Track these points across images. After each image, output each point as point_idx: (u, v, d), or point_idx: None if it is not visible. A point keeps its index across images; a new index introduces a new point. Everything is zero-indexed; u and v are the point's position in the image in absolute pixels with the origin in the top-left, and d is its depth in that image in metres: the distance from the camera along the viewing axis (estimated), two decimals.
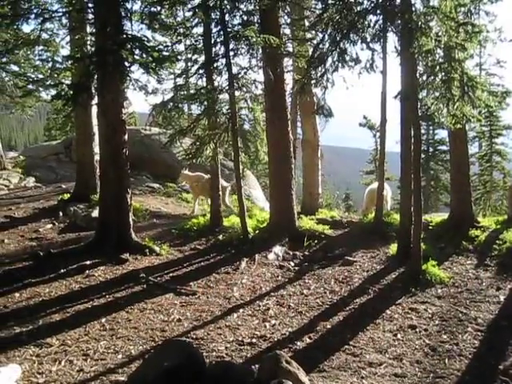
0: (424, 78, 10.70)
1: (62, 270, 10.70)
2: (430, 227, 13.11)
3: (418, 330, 8.06)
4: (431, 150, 32.34)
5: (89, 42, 14.08)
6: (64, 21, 14.02)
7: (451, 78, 10.30)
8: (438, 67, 10.35)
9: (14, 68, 20.93)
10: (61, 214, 15.13)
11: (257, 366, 6.11)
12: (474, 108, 10.84)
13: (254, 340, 7.81)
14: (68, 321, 8.54)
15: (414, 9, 9.80)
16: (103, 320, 8.55)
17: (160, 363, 5.90)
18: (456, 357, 7.15)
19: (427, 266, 10.10)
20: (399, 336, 7.85)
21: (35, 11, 12.53)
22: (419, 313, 8.67)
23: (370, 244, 12.32)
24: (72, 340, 7.81)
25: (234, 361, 7.05)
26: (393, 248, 11.50)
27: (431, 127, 31.68)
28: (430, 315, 8.57)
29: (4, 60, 20.34)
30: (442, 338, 7.75)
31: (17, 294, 9.59)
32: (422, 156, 29.71)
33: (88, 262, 11.09)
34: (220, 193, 14.15)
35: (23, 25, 12.95)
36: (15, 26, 13.70)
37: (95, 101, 12.38)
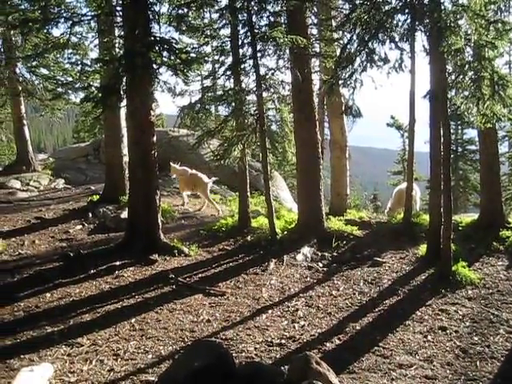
0: (453, 77, 10.59)
1: (92, 271, 10.85)
2: (460, 228, 12.97)
3: (448, 331, 7.99)
4: (460, 149, 31.94)
5: (117, 45, 14.17)
6: (93, 24, 14.09)
7: (481, 76, 10.19)
8: (467, 66, 10.24)
9: (44, 71, 21.31)
10: (90, 215, 15.25)
11: (286, 366, 6.12)
12: (504, 107, 10.67)
13: (283, 341, 7.82)
14: (98, 321, 8.64)
15: (442, 7, 9.70)
16: (133, 320, 8.64)
17: (190, 363, 5.94)
18: (487, 359, 7.09)
19: (457, 266, 10.00)
20: (429, 337, 7.79)
21: (65, 15, 12.65)
22: (449, 314, 8.59)
23: (399, 245, 12.23)
24: (102, 340, 7.90)
25: (263, 361, 7.06)
26: (422, 249, 11.40)
27: (460, 127, 31.31)
28: (460, 317, 8.49)
29: (34, 63, 20.68)
30: (473, 340, 7.68)
31: (48, 295, 9.73)
32: (451, 156, 29.42)
33: (117, 263, 11.20)
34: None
35: (53, 29, 13.11)
36: (45, 30, 13.84)
37: (124, 103, 12.46)
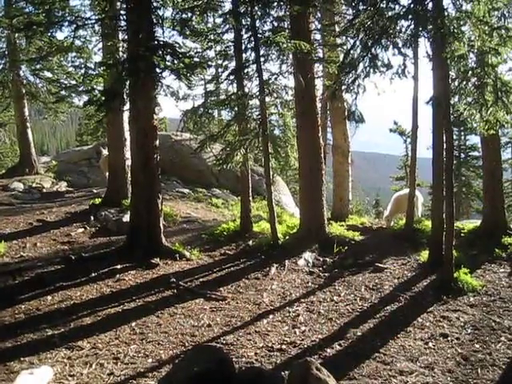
0: (456, 83, 10.59)
1: (93, 274, 10.85)
2: (462, 234, 12.96)
3: (449, 338, 7.94)
4: (463, 156, 31.91)
5: (121, 49, 14.19)
6: (96, 28, 14.12)
7: (484, 83, 10.17)
8: (470, 72, 10.23)
9: (48, 74, 21.41)
10: (92, 218, 15.25)
11: (286, 372, 6.10)
12: (507, 113, 10.67)
13: (283, 346, 7.79)
14: (99, 324, 8.64)
15: (446, 13, 9.70)
16: (133, 324, 8.62)
17: (190, 368, 5.93)
18: (489, 366, 7.03)
19: (459, 273, 9.96)
20: (431, 344, 7.75)
21: (69, 19, 12.70)
22: (451, 321, 8.55)
23: (401, 251, 12.21)
24: (103, 343, 7.89)
25: (263, 367, 7.03)
26: (424, 255, 11.38)
27: (463, 133, 31.28)
28: (462, 324, 8.45)
29: (38, 66, 20.75)
30: (475, 347, 7.63)
31: (49, 297, 9.73)
32: (454, 162, 29.39)
33: (119, 266, 11.21)
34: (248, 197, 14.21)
35: (57, 32, 13.13)
36: (49, 34, 13.88)
37: (127, 107, 12.48)
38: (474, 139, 29.92)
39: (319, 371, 5.68)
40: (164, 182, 19.29)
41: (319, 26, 14.86)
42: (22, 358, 7.26)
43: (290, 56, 12.41)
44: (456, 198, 29.59)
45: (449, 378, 6.74)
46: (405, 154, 33.82)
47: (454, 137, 29.88)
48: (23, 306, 9.27)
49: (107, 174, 17.73)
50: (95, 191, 19.42)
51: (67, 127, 78.60)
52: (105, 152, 19.02)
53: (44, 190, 20.48)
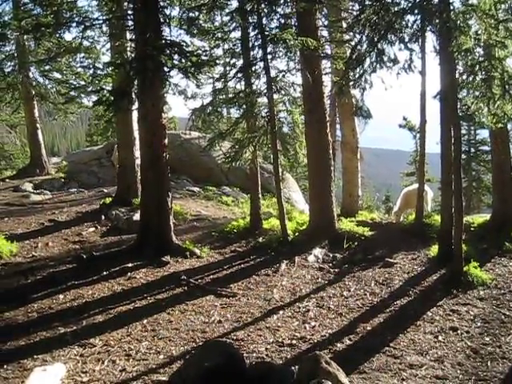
0: (464, 77, 10.55)
1: (105, 273, 10.95)
2: (472, 228, 12.91)
3: (459, 332, 7.97)
4: (473, 150, 31.70)
5: (129, 49, 14.27)
6: (104, 28, 14.21)
7: (491, 76, 10.13)
8: (477, 66, 10.19)
9: (57, 75, 21.54)
10: (103, 217, 15.34)
11: (297, 366, 6.14)
12: None
13: (293, 341, 7.84)
14: (111, 322, 8.72)
15: (452, 7, 9.68)
16: (145, 321, 8.70)
17: (201, 363, 5.99)
18: (499, 359, 7.05)
19: (469, 267, 9.95)
20: (440, 338, 7.78)
21: (77, 20, 12.80)
22: (461, 315, 8.57)
23: (411, 246, 12.21)
24: (115, 340, 7.97)
25: (274, 362, 7.08)
26: (434, 249, 11.37)
27: (472, 127, 31.07)
28: (471, 317, 8.47)
29: (47, 68, 20.86)
30: (485, 341, 7.64)
31: (61, 296, 9.82)
32: (464, 157, 29.21)
33: (130, 265, 11.29)
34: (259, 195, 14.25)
35: (65, 33, 13.25)
36: (58, 35, 13.99)
37: (136, 106, 12.54)
38: (484, 133, 29.73)
39: (329, 365, 5.73)
40: (174, 180, 19.38)
41: (326, 23, 14.87)
42: (35, 356, 7.35)
43: (298, 53, 12.41)
44: (466, 192, 29.45)
45: (458, 371, 6.76)
46: (415, 150, 33.67)
47: (464, 131, 29.73)
48: (36, 305, 9.37)
49: None
50: (106, 191, 19.50)
51: (77, 128, 78.74)
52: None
53: (55, 191, 20.61)
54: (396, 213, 14.86)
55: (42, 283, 10.45)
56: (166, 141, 12.31)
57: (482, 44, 9.84)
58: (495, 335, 7.79)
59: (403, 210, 14.77)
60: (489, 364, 6.93)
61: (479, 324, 8.22)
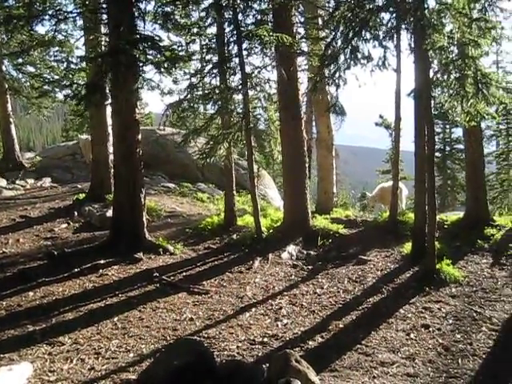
0: (438, 75, 10.59)
1: (76, 269, 10.78)
2: (446, 226, 12.99)
3: (431, 329, 7.98)
4: (448, 148, 31.96)
5: (103, 43, 14.13)
6: (78, 22, 14.11)
7: (465, 75, 10.17)
8: (451, 65, 10.21)
9: (30, 69, 21.24)
10: (76, 213, 15.19)
11: (267, 364, 6.11)
12: (488, 105, 10.70)
13: (265, 339, 7.80)
14: (81, 320, 8.60)
15: (426, 5, 9.69)
16: (116, 319, 8.60)
17: (170, 362, 5.94)
18: (470, 356, 7.07)
19: (442, 264, 9.99)
20: (412, 335, 7.78)
21: (50, 12, 12.63)
22: (433, 312, 8.59)
23: (385, 243, 12.22)
24: (84, 339, 7.86)
25: (245, 360, 7.04)
26: (407, 247, 11.40)
27: (448, 126, 31.32)
28: (443, 314, 8.49)
29: (20, 61, 20.57)
30: (456, 338, 7.67)
31: (31, 293, 9.67)
32: (439, 155, 29.50)
33: (102, 261, 11.16)
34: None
35: (38, 26, 13.07)
36: (30, 28, 13.77)
37: (109, 101, 12.41)
38: (459, 132, 29.96)
39: (298, 363, 5.70)
40: (149, 176, 19.26)
41: (302, 20, 14.84)
42: (1, 355, 7.21)
43: (273, 49, 12.36)
44: (441, 190, 29.72)
45: (429, 369, 6.77)
46: (391, 148, 33.84)
47: (439, 129, 30.01)
48: (4, 302, 9.23)
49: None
50: (79, 186, 19.31)
51: (53, 123, 78.07)
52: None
53: (28, 186, 20.35)
54: (371, 199, 15.42)
55: (12, 280, 10.29)
56: (140, 136, 12.19)
57: (456, 43, 9.86)
58: (466, 332, 7.82)
59: (377, 200, 15.06)
60: (460, 361, 6.95)
61: (451, 321, 8.24)
